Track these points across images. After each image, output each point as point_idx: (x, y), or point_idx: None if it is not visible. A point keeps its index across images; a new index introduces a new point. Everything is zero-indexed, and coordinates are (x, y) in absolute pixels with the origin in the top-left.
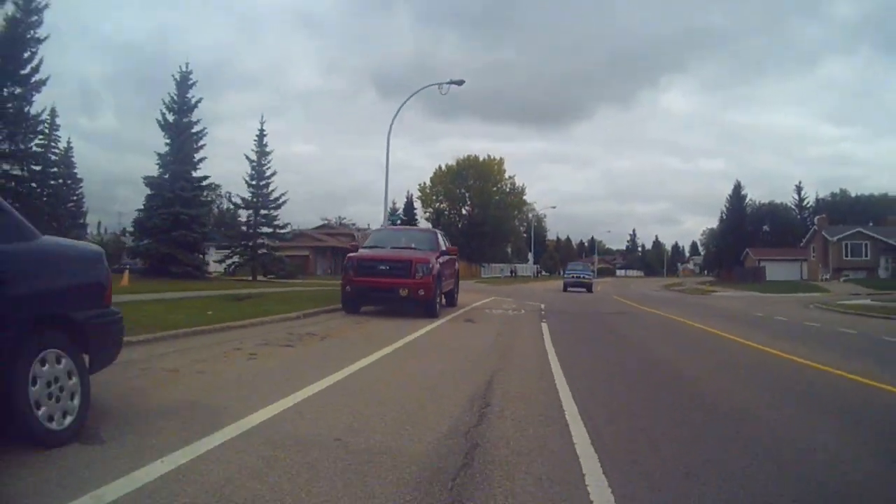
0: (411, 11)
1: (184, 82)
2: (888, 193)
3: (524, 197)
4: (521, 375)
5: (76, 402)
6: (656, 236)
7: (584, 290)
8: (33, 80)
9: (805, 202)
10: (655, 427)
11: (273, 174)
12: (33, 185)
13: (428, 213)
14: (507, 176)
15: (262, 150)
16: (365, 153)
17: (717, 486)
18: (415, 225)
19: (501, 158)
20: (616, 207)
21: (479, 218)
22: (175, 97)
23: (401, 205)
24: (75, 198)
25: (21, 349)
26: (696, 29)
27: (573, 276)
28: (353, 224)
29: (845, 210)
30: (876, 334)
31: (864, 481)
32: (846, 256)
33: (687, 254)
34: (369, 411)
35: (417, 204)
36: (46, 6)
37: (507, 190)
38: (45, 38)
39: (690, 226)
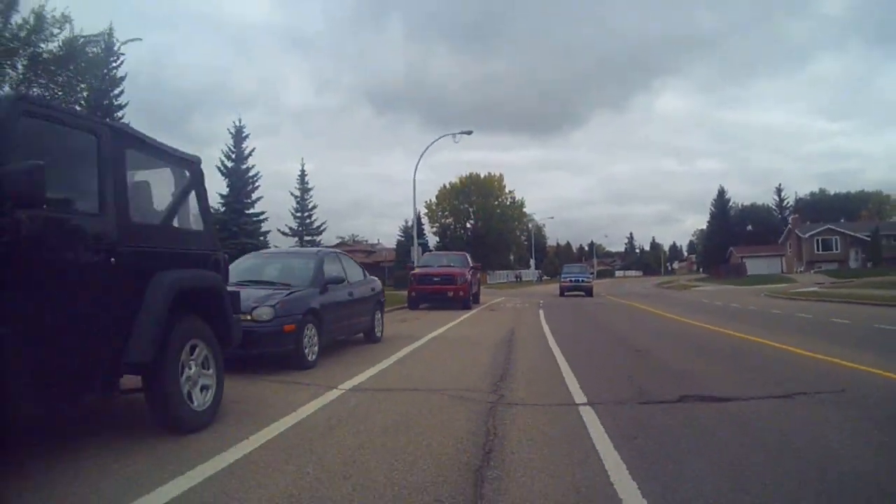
0: (403, 27)
1: (238, 135)
2: (864, 190)
3: (523, 209)
4: (527, 330)
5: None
6: (653, 237)
7: (583, 294)
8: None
9: (785, 202)
10: (597, 351)
11: (314, 207)
12: None
13: (435, 228)
14: (507, 191)
15: (304, 187)
16: (361, 169)
17: (638, 378)
18: (424, 242)
19: (501, 175)
20: (615, 210)
21: (483, 230)
22: (232, 147)
23: (405, 219)
24: None
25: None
26: (686, 31)
27: (570, 280)
28: (366, 240)
29: (824, 208)
30: (793, 312)
31: (715, 378)
32: (818, 251)
33: (685, 252)
34: (463, 336)
35: (425, 220)
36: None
37: (508, 203)
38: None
39: (690, 224)
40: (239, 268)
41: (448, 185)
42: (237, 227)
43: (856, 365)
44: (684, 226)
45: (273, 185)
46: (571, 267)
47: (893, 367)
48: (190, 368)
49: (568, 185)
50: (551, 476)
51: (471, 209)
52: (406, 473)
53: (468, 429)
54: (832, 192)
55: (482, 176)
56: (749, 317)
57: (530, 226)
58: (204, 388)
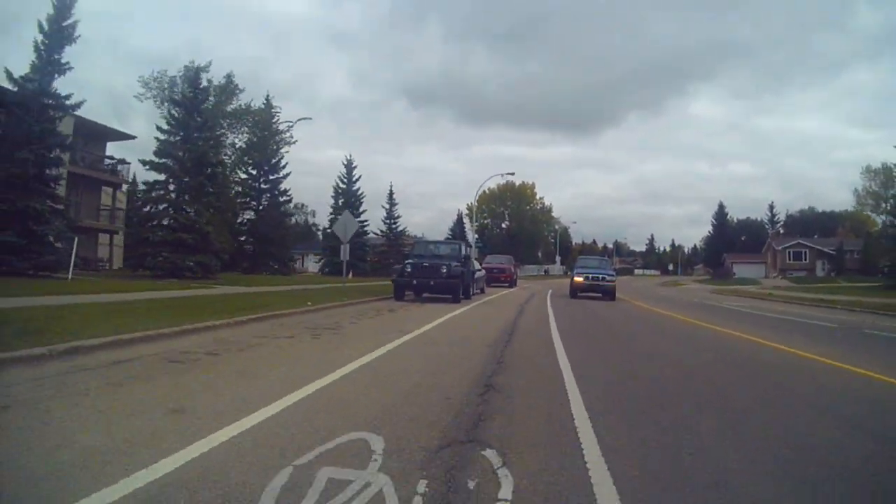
0: (440, 27)
1: (349, 165)
2: (848, 209)
3: (551, 213)
4: (536, 302)
5: None
6: (673, 240)
7: (600, 296)
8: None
9: (776, 218)
10: (578, 323)
11: (399, 217)
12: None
13: (475, 227)
14: (537, 197)
15: (392, 202)
16: (396, 160)
17: (612, 355)
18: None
19: (533, 183)
20: (645, 209)
21: (516, 231)
22: (344, 175)
23: (448, 219)
24: None
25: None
26: (721, 39)
27: (585, 276)
28: (420, 235)
29: (810, 223)
30: (719, 302)
31: (636, 332)
32: (789, 261)
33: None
34: (486, 314)
35: (466, 220)
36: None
37: (538, 208)
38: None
39: (749, 217)
40: (417, 250)
41: (487, 191)
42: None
43: (709, 325)
44: (751, 217)
45: (311, 172)
46: (588, 259)
47: (731, 328)
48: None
49: (600, 183)
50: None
51: (506, 212)
52: (465, 360)
53: (495, 337)
54: (819, 210)
55: (517, 184)
56: (684, 304)
57: (556, 227)
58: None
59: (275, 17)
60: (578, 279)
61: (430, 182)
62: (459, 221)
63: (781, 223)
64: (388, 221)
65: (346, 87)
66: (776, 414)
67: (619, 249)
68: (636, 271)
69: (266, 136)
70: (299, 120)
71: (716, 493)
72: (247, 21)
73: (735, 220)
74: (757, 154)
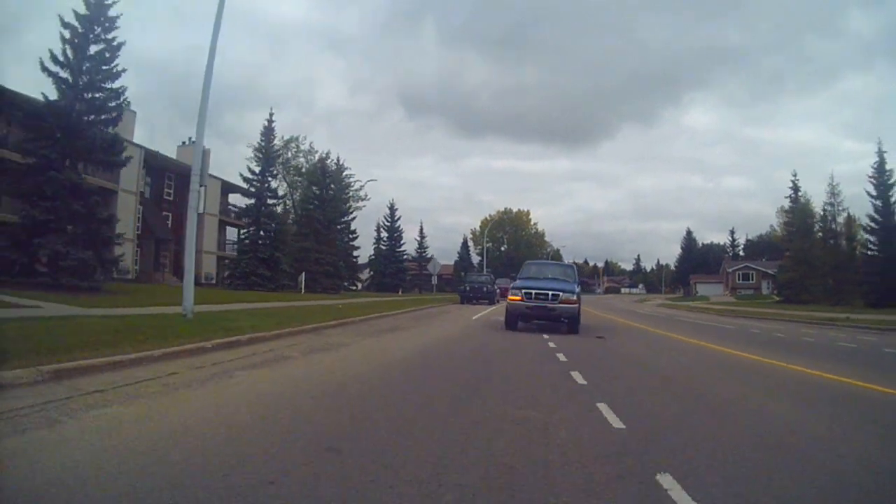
0: (435, 35)
1: (392, 208)
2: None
3: (545, 238)
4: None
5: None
6: (658, 259)
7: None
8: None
9: (736, 242)
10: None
11: (402, 233)
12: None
13: (478, 250)
14: (532, 223)
15: (422, 237)
16: (390, 172)
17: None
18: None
19: (528, 210)
20: (639, 226)
21: (514, 253)
22: (388, 217)
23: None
24: None
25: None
26: (715, 47)
27: (529, 293)
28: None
29: (765, 248)
30: (655, 312)
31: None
32: (739, 281)
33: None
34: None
35: (470, 244)
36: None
37: (533, 233)
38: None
39: (718, 241)
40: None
41: (489, 217)
42: (394, 263)
43: (634, 324)
44: (714, 241)
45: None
46: (538, 266)
47: (655, 327)
48: None
49: (595, 197)
50: None
51: (505, 237)
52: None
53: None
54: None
55: (514, 211)
56: (635, 314)
57: (549, 250)
58: None
59: (273, 24)
60: (515, 298)
61: (424, 196)
62: (465, 245)
63: (741, 247)
64: (419, 251)
65: (342, 96)
66: (648, 355)
67: (610, 269)
68: (623, 290)
69: (336, 193)
70: (368, 181)
71: (613, 376)
72: (245, 27)
73: (701, 243)
74: (749, 164)
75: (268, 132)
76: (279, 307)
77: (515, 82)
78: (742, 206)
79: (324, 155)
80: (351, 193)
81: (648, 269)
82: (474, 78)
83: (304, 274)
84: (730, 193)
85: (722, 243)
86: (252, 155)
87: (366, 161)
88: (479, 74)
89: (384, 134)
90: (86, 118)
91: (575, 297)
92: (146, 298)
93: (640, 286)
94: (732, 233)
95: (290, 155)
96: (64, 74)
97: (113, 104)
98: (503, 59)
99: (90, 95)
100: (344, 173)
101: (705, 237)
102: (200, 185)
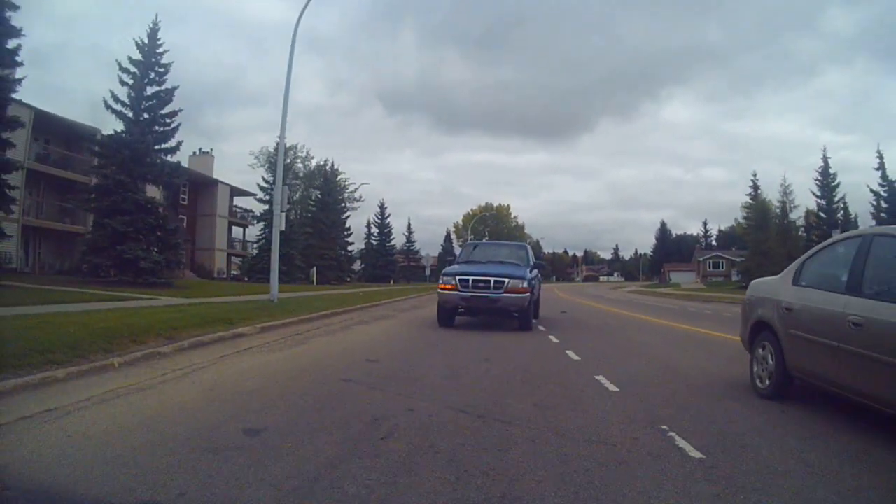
0: (415, 33)
1: (382, 207)
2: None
3: (524, 230)
4: None
5: None
6: (636, 249)
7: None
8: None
9: (709, 233)
10: None
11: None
12: None
13: (460, 242)
14: (513, 216)
15: (383, 220)
16: (371, 167)
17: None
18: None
19: (509, 205)
20: (619, 216)
21: None
22: (378, 215)
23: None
24: None
25: None
26: (693, 43)
27: (465, 281)
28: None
29: (737, 238)
30: (623, 297)
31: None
32: (709, 269)
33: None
34: None
35: (453, 237)
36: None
37: (513, 226)
38: None
39: (691, 232)
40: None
41: (470, 211)
42: (385, 256)
43: (597, 305)
44: (687, 233)
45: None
46: (482, 248)
47: (611, 307)
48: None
49: (574, 189)
50: None
51: (487, 230)
52: None
53: None
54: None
55: (495, 205)
56: (604, 298)
57: (528, 241)
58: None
59: (252, 23)
60: (447, 287)
61: (405, 189)
62: (448, 238)
63: (714, 237)
64: (407, 245)
65: (321, 94)
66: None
67: (590, 258)
68: (601, 278)
69: (331, 199)
70: (362, 184)
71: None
72: (223, 25)
73: (675, 234)
74: (729, 157)
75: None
76: (321, 295)
77: (494, 79)
78: (721, 197)
79: (321, 162)
80: (347, 195)
81: (627, 258)
82: (453, 75)
83: (315, 268)
84: (709, 185)
85: (696, 234)
86: (255, 161)
87: (346, 156)
88: (458, 71)
89: (364, 130)
90: (154, 147)
91: (526, 285)
92: (215, 291)
93: (616, 274)
94: (705, 224)
95: (288, 161)
96: (128, 113)
97: (173, 140)
98: (482, 57)
99: (154, 129)
100: (339, 177)
101: (686, 227)
102: (281, 211)
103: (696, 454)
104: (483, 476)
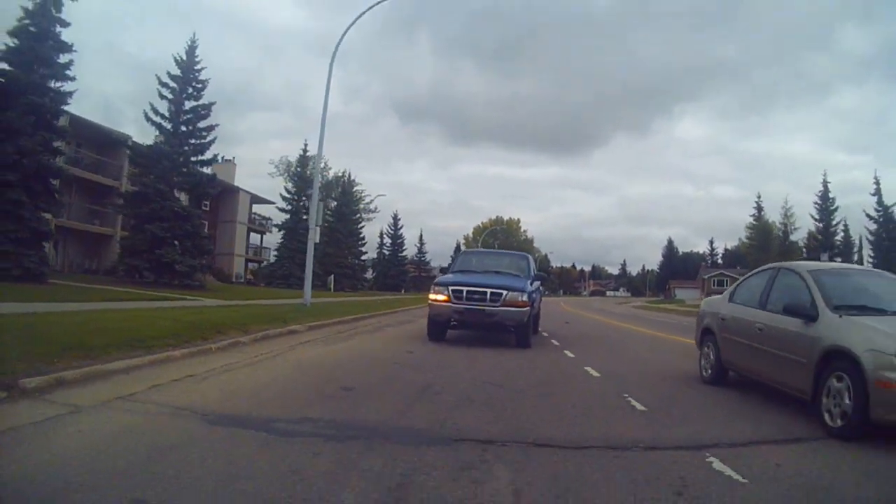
0: (430, 44)
1: (395, 218)
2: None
3: (533, 244)
4: None
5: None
6: (643, 265)
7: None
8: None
9: (714, 251)
10: None
11: (404, 239)
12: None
13: None
14: (522, 230)
15: (396, 230)
16: (384, 176)
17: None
18: None
19: (518, 219)
20: (630, 231)
21: None
22: (392, 226)
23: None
24: None
25: None
26: (707, 60)
27: (459, 293)
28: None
29: (742, 257)
30: (625, 311)
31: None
32: (713, 286)
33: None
34: None
35: (463, 249)
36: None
37: (522, 239)
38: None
39: (699, 249)
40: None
41: (481, 224)
42: (396, 265)
43: (600, 318)
44: (697, 250)
45: None
46: (478, 256)
47: (611, 320)
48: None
49: (585, 204)
50: None
51: (496, 243)
52: None
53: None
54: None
55: (505, 219)
56: (608, 311)
57: (537, 255)
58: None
59: (270, 30)
60: (439, 298)
61: (417, 200)
62: (458, 250)
63: (720, 255)
64: (419, 255)
65: (336, 101)
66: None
67: (597, 272)
68: (608, 293)
69: (348, 209)
70: (378, 196)
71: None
72: (239, 31)
73: (681, 252)
74: (740, 175)
75: (303, 160)
76: (343, 301)
77: (508, 91)
78: (731, 215)
79: (339, 173)
80: (362, 206)
81: (634, 274)
82: (468, 86)
83: (332, 276)
84: (720, 202)
85: (702, 252)
86: (274, 170)
87: (358, 165)
88: (472, 83)
89: (378, 139)
90: (193, 159)
91: (525, 298)
92: (245, 294)
93: (622, 289)
94: (711, 242)
95: (309, 172)
96: (167, 125)
97: (208, 153)
98: (497, 69)
99: (190, 142)
100: (355, 188)
101: (695, 244)
102: (316, 225)
103: (642, 408)
104: (505, 412)
